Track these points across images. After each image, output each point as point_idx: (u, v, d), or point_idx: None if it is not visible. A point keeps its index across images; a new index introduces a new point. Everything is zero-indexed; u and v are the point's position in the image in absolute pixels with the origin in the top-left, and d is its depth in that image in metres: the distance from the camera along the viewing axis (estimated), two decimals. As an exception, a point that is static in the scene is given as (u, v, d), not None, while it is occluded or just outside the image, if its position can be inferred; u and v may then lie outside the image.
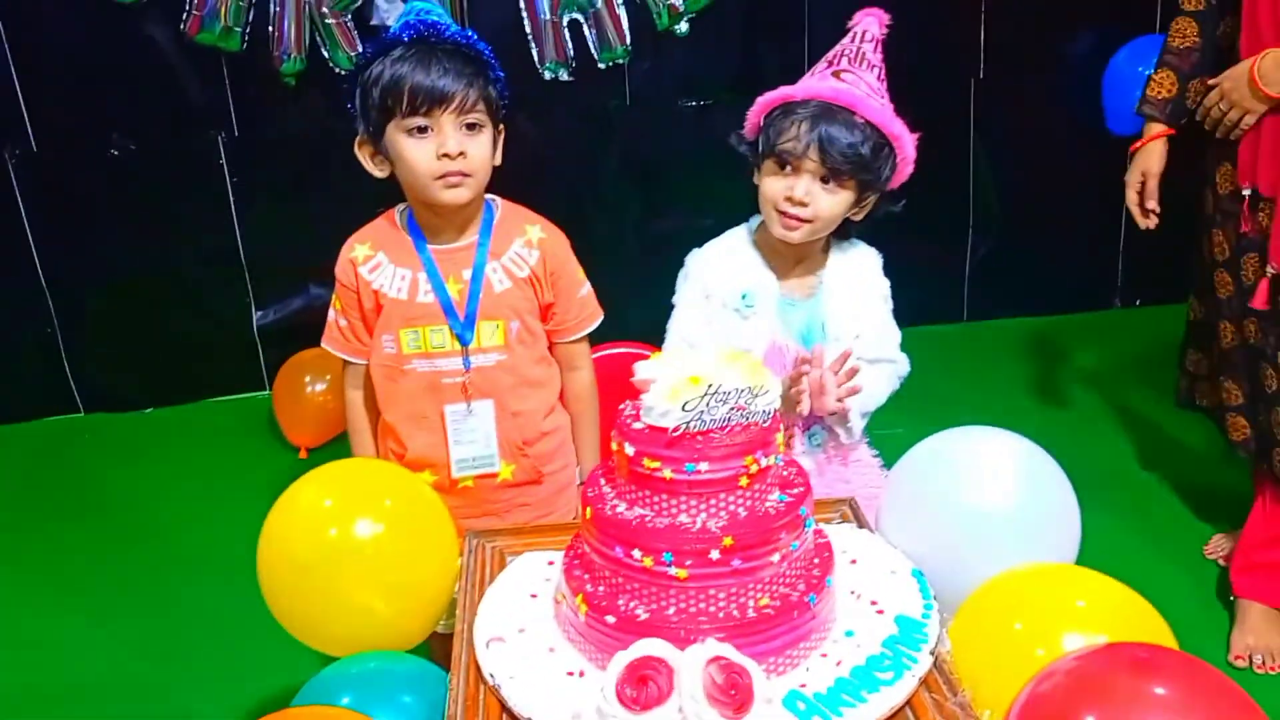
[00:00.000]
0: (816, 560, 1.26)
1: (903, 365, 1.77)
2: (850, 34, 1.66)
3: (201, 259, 3.34)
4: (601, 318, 1.79)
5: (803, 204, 1.61)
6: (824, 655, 1.22)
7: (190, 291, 3.37)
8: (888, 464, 1.60)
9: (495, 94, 1.64)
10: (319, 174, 3.12)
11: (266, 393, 3.33)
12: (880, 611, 1.29)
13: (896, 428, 1.81)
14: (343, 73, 3.07)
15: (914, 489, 1.45)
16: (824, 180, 1.62)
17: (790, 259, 1.73)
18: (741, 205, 1.79)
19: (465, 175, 1.60)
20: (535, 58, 3.16)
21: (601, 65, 3.21)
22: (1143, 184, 2.16)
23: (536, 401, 1.72)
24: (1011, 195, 3.70)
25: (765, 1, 3.23)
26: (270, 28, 3.04)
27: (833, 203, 1.63)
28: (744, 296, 1.69)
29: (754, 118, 1.69)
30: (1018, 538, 1.37)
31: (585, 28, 3.17)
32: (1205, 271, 2.16)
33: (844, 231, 1.74)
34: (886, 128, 1.61)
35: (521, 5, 3.12)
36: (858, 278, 1.74)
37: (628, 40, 3.19)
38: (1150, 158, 2.15)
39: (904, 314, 3.76)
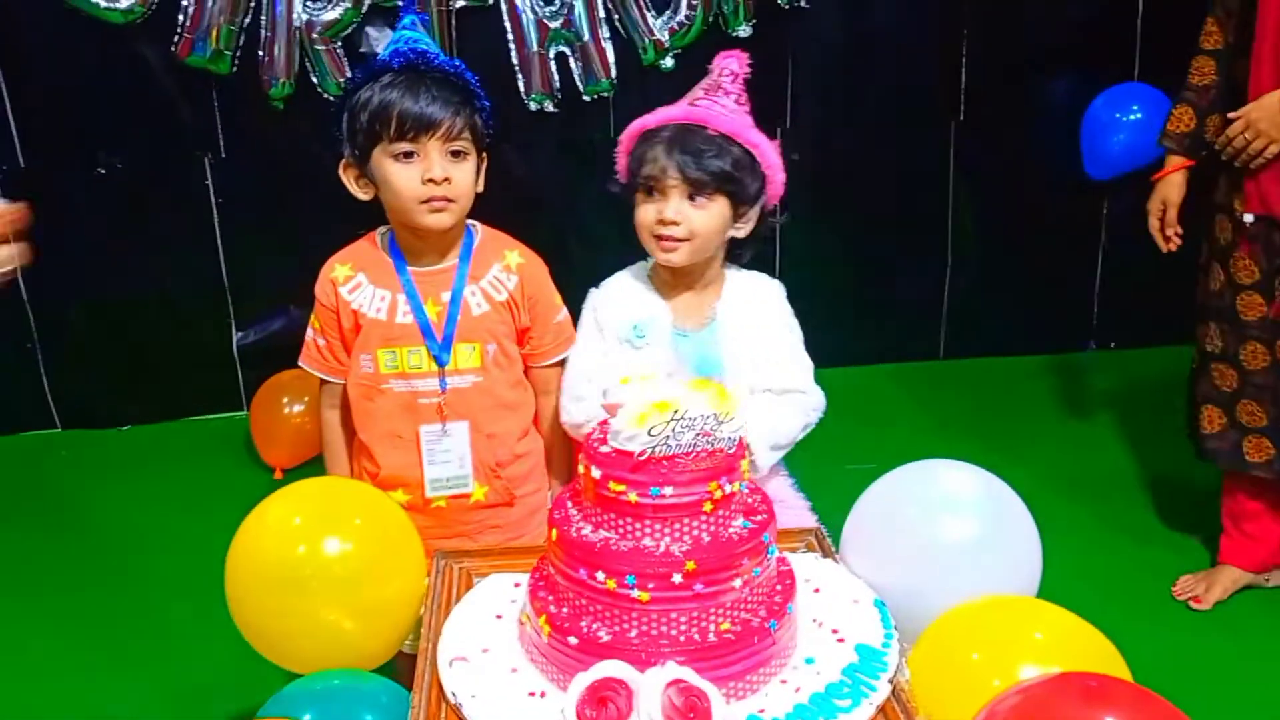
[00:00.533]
0: (779, 587, 1.27)
1: (815, 397, 1.74)
2: (709, 73, 1.69)
3: (184, 278, 3.35)
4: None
5: (675, 223, 1.64)
6: (784, 681, 1.24)
7: (171, 310, 3.37)
8: (851, 499, 1.60)
9: (481, 122, 1.67)
10: (303, 197, 3.13)
11: (244, 413, 3.32)
12: (841, 640, 1.30)
13: (869, 463, 1.82)
14: (331, 98, 3.10)
15: (877, 520, 1.47)
16: (691, 198, 1.64)
17: (681, 288, 1.73)
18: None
19: (449, 201, 1.63)
20: (521, 88, 3.19)
21: (586, 97, 3.25)
22: (1163, 212, 2.32)
23: (511, 424, 1.74)
24: (990, 236, 3.75)
25: (750, 40, 3.27)
26: (260, 52, 3.06)
27: (705, 218, 1.65)
28: (635, 328, 1.70)
29: (621, 158, 1.72)
30: (978, 569, 1.39)
31: (571, 60, 3.22)
32: (1222, 298, 2.25)
33: (738, 258, 1.76)
34: (741, 137, 1.64)
35: (509, 36, 3.16)
36: (755, 308, 1.74)
37: (613, 74, 3.23)
38: (1170, 188, 2.31)
39: (881, 350, 3.83)
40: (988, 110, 3.57)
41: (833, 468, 2.09)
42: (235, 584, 1.42)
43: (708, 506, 1.19)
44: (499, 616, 1.36)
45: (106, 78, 3.09)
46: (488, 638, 1.32)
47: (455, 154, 1.63)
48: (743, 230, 1.71)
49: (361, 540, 1.44)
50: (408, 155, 1.61)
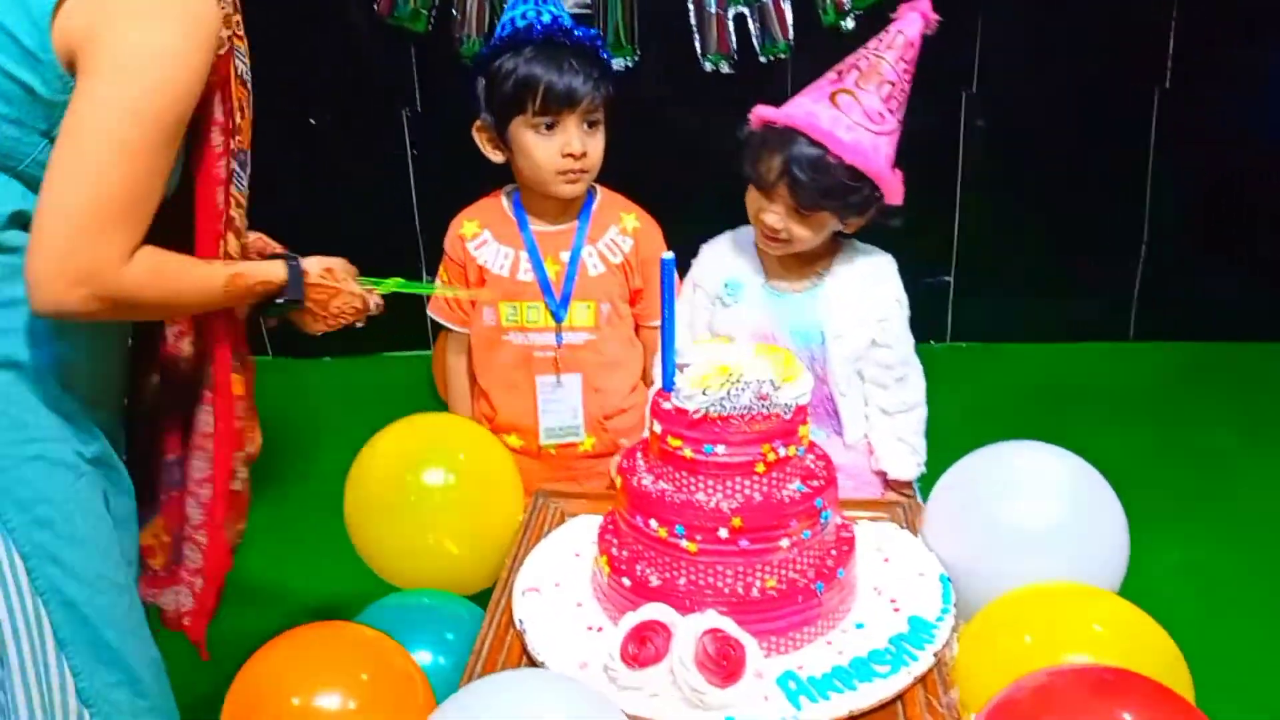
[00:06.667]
0: (833, 552, 1.30)
1: (920, 375, 1.74)
2: (879, 36, 1.59)
3: (381, 224, 3.60)
4: (687, 305, 1.86)
5: (777, 229, 1.62)
6: (829, 643, 1.27)
7: (369, 254, 3.61)
8: None
9: (611, 93, 1.73)
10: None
11: (429, 352, 3.56)
12: (897, 610, 1.32)
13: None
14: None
15: (955, 497, 1.46)
16: (794, 211, 1.60)
17: (786, 255, 1.71)
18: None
19: (584, 171, 1.71)
20: (698, 48, 3.23)
21: (763, 59, 3.26)
22: None
23: (619, 380, 1.83)
24: (1193, 212, 3.52)
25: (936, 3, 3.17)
26: (454, 11, 3.24)
27: (808, 230, 1.62)
28: (726, 285, 1.71)
29: (754, 125, 1.66)
30: (1056, 554, 1.36)
31: (750, 21, 3.23)
32: None
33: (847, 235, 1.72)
34: (861, 165, 1.55)
35: (690, -3, 3.21)
36: (868, 280, 1.71)
37: (790, 35, 3.23)
38: None
39: (1065, 328, 3.66)
40: (1197, 77, 3.34)
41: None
42: (351, 505, 1.57)
43: (760, 468, 1.24)
44: (577, 554, 1.45)
45: (318, 37, 3.34)
46: (563, 573, 1.42)
47: (590, 125, 1.71)
48: (852, 228, 1.68)
49: (463, 473, 1.56)
50: (549, 128, 1.69)
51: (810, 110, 1.57)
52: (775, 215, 1.62)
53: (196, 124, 1.28)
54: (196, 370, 1.46)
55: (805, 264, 1.73)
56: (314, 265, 1.48)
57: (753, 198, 1.66)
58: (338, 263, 1.52)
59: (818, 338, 1.70)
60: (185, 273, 1.29)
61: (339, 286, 1.48)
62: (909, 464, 1.75)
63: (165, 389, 1.48)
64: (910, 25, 1.58)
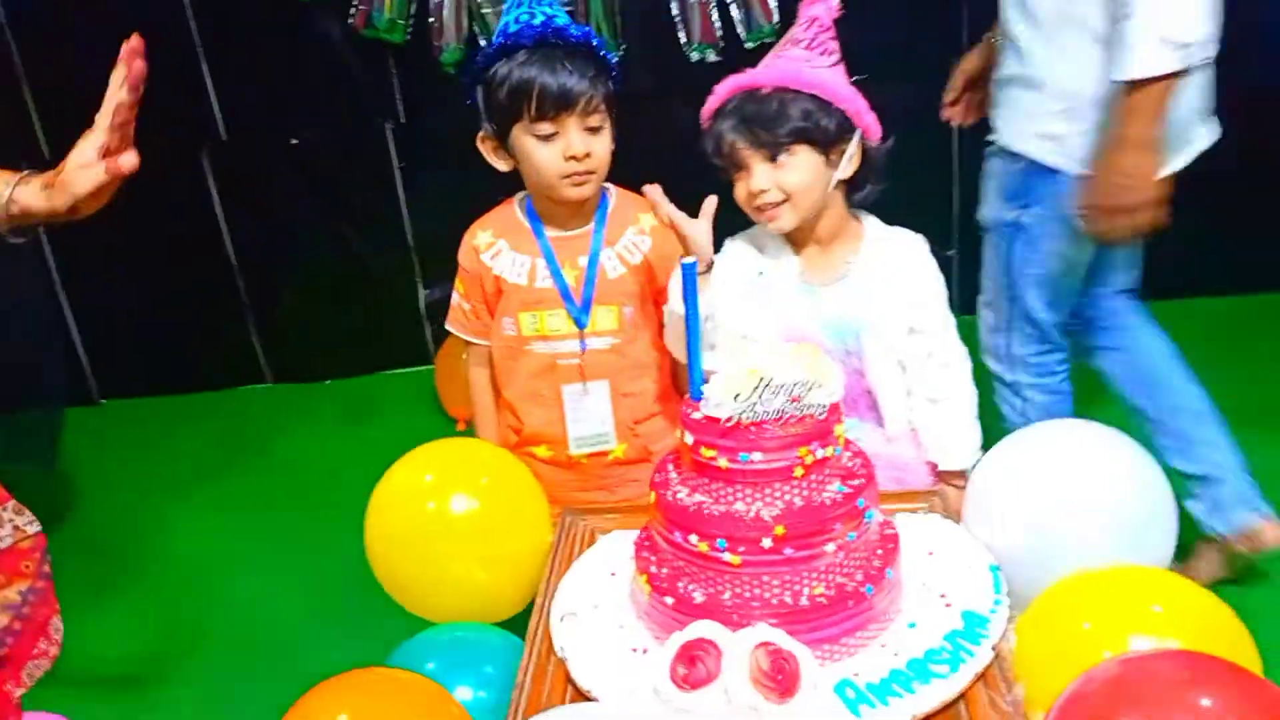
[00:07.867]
0: (879, 551, 1.26)
1: (965, 357, 1.71)
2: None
3: (373, 240, 3.55)
4: (711, 302, 1.81)
5: (765, 191, 1.59)
6: (883, 645, 1.23)
7: (364, 271, 3.58)
8: None
9: (613, 90, 1.68)
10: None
11: (432, 366, 3.51)
12: (948, 605, 1.28)
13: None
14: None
15: (998, 482, 1.42)
16: (771, 160, 1.59)
17: (805, 243, 1.68)
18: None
19: (590, 173, 1.67)
20: (683, 39, 3.18)
21: (749, 45, 3.20)
22: None
23: (648, 383, 1.78)
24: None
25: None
26: (431, 19, 3.18)
27: (793, 175, 1.59)
28: (761, 274, 1.67)
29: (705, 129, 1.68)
30: (1104, 536, 1.32)
31: (733, 8, 3.17)
32: None
33: (860, 200, 1.69)
34: (794, 82, 1.56)
35: (670, -12, 3.15)
36: (899, 265, 1.67)
37: (775, 18, 3.17)
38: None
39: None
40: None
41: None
42: (373, 539, 1.53)
43: (798, 472, 1.19)
44: (613, 574, 1.41)
45: (296, 53, 3.29)
46: (600, 594, 1.37)
47: (592, 125, 1.66)
48: (847, 170, 1.64)
49: (487, 497, 1.51)
50: (549, 135, 1.64)
51: (729, 82, 1.63)
52: (756, 177, 1.60)
53: None
54: None
55: (832, 253, 1.69)
56: None
57: (737, 187, 1.65)
58: None
59: (853, 331, 1.65)
60: None
61: None
62: (962, 453, 1.69)
63: None
64: (817, 8, 1.61)
